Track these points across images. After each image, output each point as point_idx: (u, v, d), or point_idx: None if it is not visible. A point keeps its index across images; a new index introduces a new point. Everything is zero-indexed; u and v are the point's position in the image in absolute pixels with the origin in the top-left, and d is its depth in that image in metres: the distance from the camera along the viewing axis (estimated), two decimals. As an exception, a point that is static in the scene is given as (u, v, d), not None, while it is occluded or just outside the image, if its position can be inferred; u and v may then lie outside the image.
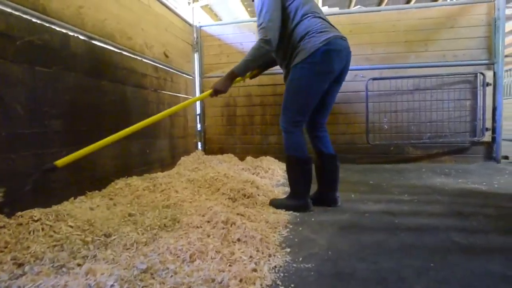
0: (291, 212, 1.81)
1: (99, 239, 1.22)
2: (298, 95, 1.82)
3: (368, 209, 1.88)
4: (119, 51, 2.39)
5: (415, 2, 8.58)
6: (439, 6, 3.77)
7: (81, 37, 2.01)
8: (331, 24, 1.85)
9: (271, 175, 2.85)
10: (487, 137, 3.52)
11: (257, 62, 1.90)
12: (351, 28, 3.68)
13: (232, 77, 1.95)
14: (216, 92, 1.99)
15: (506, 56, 8.52)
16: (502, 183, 2.52)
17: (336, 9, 4.65)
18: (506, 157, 3.71)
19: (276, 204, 1.90)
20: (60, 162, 1.58)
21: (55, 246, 1.14)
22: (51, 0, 1.79)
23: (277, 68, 3.95)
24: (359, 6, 6.42)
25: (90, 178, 2.03)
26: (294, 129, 1.85)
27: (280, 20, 1.77)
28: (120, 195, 1.93)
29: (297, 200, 1.87)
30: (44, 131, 1.69)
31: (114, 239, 1.23)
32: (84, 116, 2.00)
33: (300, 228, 1.56)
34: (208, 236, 1.27)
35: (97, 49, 2.16)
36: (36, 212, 1.33)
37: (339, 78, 1.89)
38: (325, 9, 5.35)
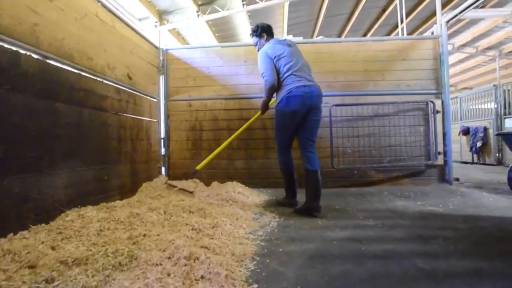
0: (258, 242, 1.75)
1: (38, 286, 1.05)
2: (277, 129, 2.68)
3: (336, 236, 1.87)
4: (77, 71, 2.26)
5: (371, 35, 9.33)
6: (392, 40, 4.10)
7: (35, 55, 1.87)
8: (303, 76, 2.56)
9: (238, 201, 2.77)
10: (440, 160, 3.77)
11: (269, 94, 2.70)
12: (315, 57, 3.85)
13: (264, 104, 2.81)
14: (263, 113, 2.91)
15: (451, 85, 9.43)
16: (456, 204, 2.67)
17: (300, 38, 4.86)
18: (457, 179, 3.99)
19: (276, 202, 2.87)
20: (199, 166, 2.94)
21: (-18, 297, 0.97)
22: (1, 16, 1.66)
23: (243, 93, 4.02)
24: (321, 37, 6.80)
25: (35, 209, 1.81)
26: (282, 151, 2.72)
27: (275, 70, 2.59)
28: (70, 228, 1.73)
29: (288, 199, 2.79)
30: (-18, 158, 1.50)
31: (58, 285, 1.07)
32: (33, 141, 1.82)
33: (268, 260, 1.49)
34: (168, 275, 1.16)
35: (52, 69, 2.01)
36: (-37, 254, 1.14)
37: (309, 114, 2.54)
38: (289, 38, 5.58)
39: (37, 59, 1.89)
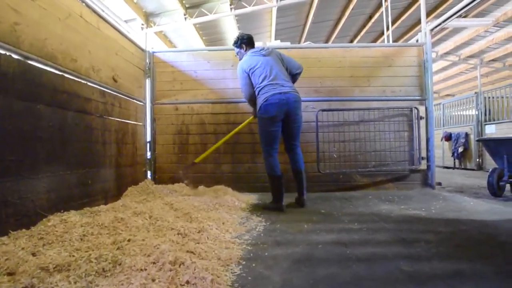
0: (244, 246, 1.75)
1: (17, 293, 1.02)
2: (261, 134, 2.87)
3: (321, 239, 1.88)
4: (60, 73, 2.21)
5: (357, 42, 9.53)
6: (378, 47, 4.21)
7: (15, 56, 1.82)
8: (278, 83, 2.77)
9: (224, 205, 2.75)
10: (423, 165, 3.86)
11: (252, 105, 3.02)
12: (302, 62, 3.83)
13: (253, 112, 3.12)
14: (255, 117, 3.07)
15: (434, 92, 9.75)
16: (438, 208, 2.74)
17: (287, 44, 4.92)
18: (439, 183, 4.09)
19: (263, 206, 2.88)
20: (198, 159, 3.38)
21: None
22: (-21, 15, 1.61)
23: (230, 98, 4.02)
24: (308, 42, 6.89)
25: (15, 214, 1.76)
26: (267, 156, 2.84)
27: (250, 85, 2.86)
28: (52, 234, 1.69)
29: (274, 203, 2.82)
30: (-42, 161, 1.45)
31: (38, 292, 1.04)
32: (13, 143, 1.77)
33: (254, 264, 1.49)
34: (153, 280, 1.14)
35: (34, 70, 1.97)
36: None
37: (288, 118, 2.80)
38: (277, 43, 5.65)
39: (17, 59, 1.84)
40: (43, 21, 2.07)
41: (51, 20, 2.15)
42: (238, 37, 3.08)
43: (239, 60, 3.06)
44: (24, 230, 1.72)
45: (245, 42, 3.04)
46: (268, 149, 2.82)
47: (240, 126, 3.44)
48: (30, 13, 1.96)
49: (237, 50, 3.10)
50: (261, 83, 2.79)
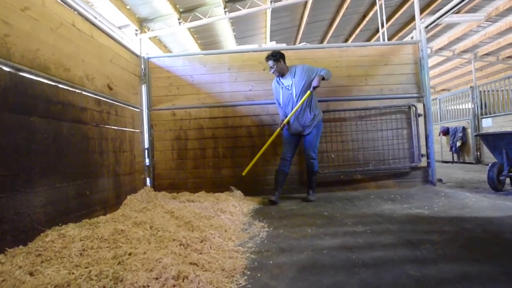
0: (248, 255, 1.71)
1: (15, 319, 0.98)
2: (318, 139, 3.33)
3: (326, 244, 1.85)
4: (54, 83, 2.17)
5: (353, 41, 9.52)
6: (373, 45, 4.18)
7: (6, 68, 1.77)
8: None
9: (226, 211, 2.72)
10: (423, 162, 3.84)
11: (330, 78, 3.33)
12: (298, 63, 3.85)
13: (321, 79, 3.19)
14: (314, 88, 3.19)
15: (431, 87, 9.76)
16: (440, 206, 2.71)
17: (283, 45, 4.90)
18: (440, 180, 4.08)
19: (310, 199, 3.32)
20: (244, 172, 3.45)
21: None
22: (-32, 28, 1.57)
23: (228, 101, 3.97)
24: (304, 43, 6.87)
25: (12, 230, 1.71)
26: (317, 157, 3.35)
27: None
28: (50, 249, 1.64)
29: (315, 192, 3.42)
30: (-50, 180, 1.40)
31: (36, 315, 1.01)
32: (6, 159, 1.72)
33: (259, 274, 1.46)
34: (156, 297, 1.11)
35: (26, 82, 1.92)
36: None
37: None
38: (273, 44, 5.62)
39: (9, 72, 1.79)
40: (34, 31, 2.03)
41: (42, 30, 2.11)
42: (276, 52, 3.25)
43: (273, 72, 3.28)
44: (21, 246, 1.67)
45: (283, 57, 3.29)
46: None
47: (275, 134, 3.46)
48: (20, 24, 1.92)
49: (271, 63, 3.23)
50: None
